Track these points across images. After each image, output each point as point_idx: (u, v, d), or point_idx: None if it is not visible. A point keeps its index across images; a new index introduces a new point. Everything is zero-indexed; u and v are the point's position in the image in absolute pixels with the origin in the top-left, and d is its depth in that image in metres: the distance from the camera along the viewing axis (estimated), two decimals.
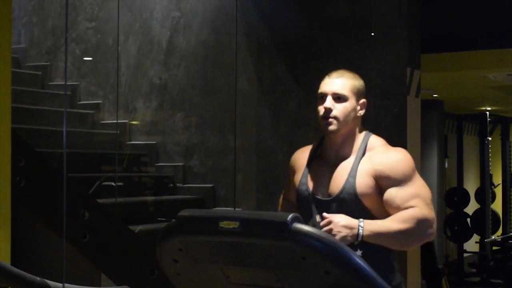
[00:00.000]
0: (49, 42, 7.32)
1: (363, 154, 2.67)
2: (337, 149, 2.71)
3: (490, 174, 11.38)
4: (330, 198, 2.66)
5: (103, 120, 6.82)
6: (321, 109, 2.68)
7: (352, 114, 2.68)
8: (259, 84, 6.11)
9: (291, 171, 2.87)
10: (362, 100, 2.72)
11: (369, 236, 2.51)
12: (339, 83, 2.69)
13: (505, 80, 7.78)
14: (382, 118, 5.32)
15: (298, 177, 2.79)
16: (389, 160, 2.63)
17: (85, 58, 7.08)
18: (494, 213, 11.54)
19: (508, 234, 11.53)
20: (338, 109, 2.66)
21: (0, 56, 3.88)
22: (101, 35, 7.00)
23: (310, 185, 2.72)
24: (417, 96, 5.68)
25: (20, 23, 7.38)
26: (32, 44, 7.41)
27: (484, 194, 11.11)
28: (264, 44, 6.07)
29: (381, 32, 5.48)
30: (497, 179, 11.80)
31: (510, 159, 11.76)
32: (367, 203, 2.61)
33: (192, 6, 6.58)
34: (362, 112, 2.72)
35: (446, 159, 10.99)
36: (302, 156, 2.84)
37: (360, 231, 2.50)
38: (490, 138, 11.20)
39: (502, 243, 10.99)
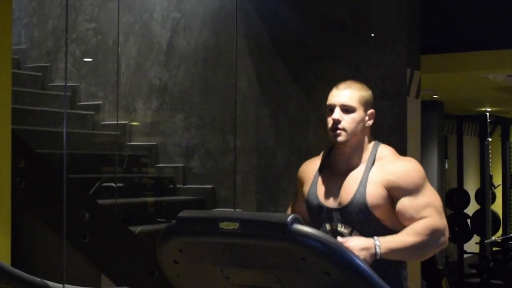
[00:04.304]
0: (49, 43, 7.32)
1: (373, 163, 2.68)
2: (347, 159, 2.73)
3: (490, 175, 11.38)
4: (340, 207, 2.67)
5: (103, 121, 6.83)
6: (330, 121, 2.69)
7: (361, 125, 2.69)
8: (259, 85, 6.11)
9: (299, 183, 2.89)
10: (371, 111, 2.73)
11: (386, 253, 2.52)
12: (347, 94, 2.69)
13: (505, 81, 7.78)
14: (382, 119, 5.32)
15: (307, 187, 2.80)
16: (401, 170, 2.65)
17: (85, 59, 7.08)
18: (494, 214, 11.54)
19: (508, 235, 11.53)
20: (347, 121, 2.67)
21: (0, 57, 3.88)
22: (101, 36, 7.00)
23: (320, 194, 2.73)
24: (417, 97, 5.68)
25: (20, 24, 7.39)
26: (32, 45, 7.42)
27: (484, 195, 11.12)
28: (264, 45, 6.07)
29: (381, 33, 5.48)
30: (497, 180, 11.80)
31: (510, 160, 11.76)
32: (377, 213, 2.62)
33: (192, 7, 6.58)
34: (370, 123, 2.73)
35: (446, 160, 11.00)
36: (310, 167, 2.85)
37: (378, 250, 2.50)
38: (490, 139, 11.20)
39: (502, 244, 10.99)
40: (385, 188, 2.63)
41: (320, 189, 2.74)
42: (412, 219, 2.59)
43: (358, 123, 2.68)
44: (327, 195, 2.72)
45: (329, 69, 5.71)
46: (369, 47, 5.51)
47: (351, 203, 2.63)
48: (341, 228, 2.65)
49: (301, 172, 2.89)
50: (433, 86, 8.21)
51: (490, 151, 11.26)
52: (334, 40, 5.73)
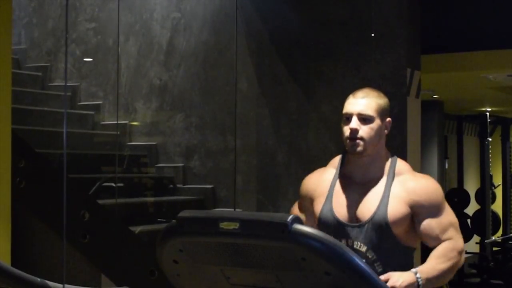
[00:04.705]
0: (49, 43, 7.32)
1: (393, 179, 2.65)
2: (365, 170, 2.68)
3: (490, 175, 11.38)
4: (358, 224, 2.62)
5: (103, 121, 6.83)
6: (347, 130, 2.63)
7: (378, 135, 2.64)
8: (259, 84, 6.11)
9: (306, 198, 2.79)
10: (388, 119, 2.68)
11: (425, 284, 2.53)
12: (364, 103, 2.63)
13: (505, 81, 7.78)
14: None
15: (319, 203, 2.71)
16: (425, 190, 2.64)
17: (85, 59, 7.08)
18: (494, 214, 11.54)
19: (508, 235, 11.53)
20: (364, 130, 2.61)
21: (0, 57, 3.88)
22: (101, 36, 7.00)
23: (336, 209, 2.66)
24: (417, 96, 5.68)
25: (20, 24, 7.39)
26: (32, 45, 7.41)
27: (484, 195, 11.12)
28: (264, 44, 6.07)
29: (381, 33, 5.48)
30: (497, 180, 11.80)
31: (510, 160, 11.76)
32: (396, 230, 2.60)
33: (192, 7, 6.58)
34: (387, 132, 2.69)
35: (446, 160, 10.99)
36: (320, 180, 2.76)
37: (420, 282, 2.50)
38: (490, 139, 11.20)
39: (502, 244, 10.99)
40: (409, 206, 2.61)
41: (336, 204, 2.67)
42: (438, 239, 2.62)
43: (376, 132, 2.63)
44: (343, 210, 2.65)
45: (329, 69, 5.71)
46: (369, 47, 5.51)
47: (371, 219, 2.59)
48: (357, 246, 2.61)
49: (310, 186, 2.78)
50: (433, 86, 8.20)
51: (490, 151, 11.26)
52: (334, 40, 5.73)
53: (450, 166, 11.36)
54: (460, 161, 11.33)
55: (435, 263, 2.58)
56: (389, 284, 2.47)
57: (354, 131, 2.61)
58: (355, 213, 2.64)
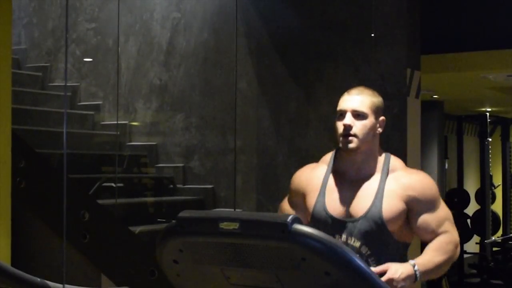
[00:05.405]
0: (49, 43, 7.33)
1: (387, 175, 2.64)
2: (358, 167, 2.66)
3: (490, 175, 11.38)
4: (352, 219, 2.61)
5: (103, 121, 6.83)
6: (341, 126, 2.62)
7: (372, 132, 2.63)
8: (259, 85, 6.11)
9: (298, 193, 2.78)
10: (381, 118, 2.68)
11: (421, 277, 2.56)
12: (358, 100, 2.63)
13: (505, 81, 7.78)
14: None
15: (312, 198, 2.70)
16: (420, 185, 2.65)
17: (85, 59, 7.08)
18: (494, 214, 11.55)
19: (508, 235, 11.54)
20: (358, 127, 2.61)
21: (0, 57, 3.88)
22: (101, 36, 7.00)
23: (328, 204, 2.65)
24: (417, 97, 5.68)
25: (20, 24, 7.39)
26: (32, 45, 7.42)
27: (484, 195, 11.12)
28: (264, 45, 6.07)
29: (381, 33, 5.48)
30: (497, 180, 11.81)
31: (510, 160, 11.77)
32: (391, 226, 2.60)
33: (192, 7, 6.58)
34: (381, 130, 2.68)
35: (446, 160, 10.99)
36: (311, 175, 2.76)
37: (417, 274, 2.54)
38: (490, 139, 11.20)
39: (502, 244, 10.99)
40: (404, 202, 2.61)
41: (329, 200, 2.66)
42: (434, 233, 2.64)
43: (370, 129, 2.62)
44: (336, 206, 2.65)
45: (329, 69, 5.71)
46: (369, 47, 5.51)
47: (365, 215, 2.59)
48: (350, 241, 2.60)
49: (302, 181, 2.78)
50: (433, 86, 8.21)
51: (490, 151, 11.27)
52: (334, 40, 5.73)
53: (450, 166, 11.36)
54: (460, 161, 11.33)
55: (432, 255, 2.61)
56: (387, 275, 2.48)
57: (348, 127, 2.61)
58: (348, 209, 2.63)
